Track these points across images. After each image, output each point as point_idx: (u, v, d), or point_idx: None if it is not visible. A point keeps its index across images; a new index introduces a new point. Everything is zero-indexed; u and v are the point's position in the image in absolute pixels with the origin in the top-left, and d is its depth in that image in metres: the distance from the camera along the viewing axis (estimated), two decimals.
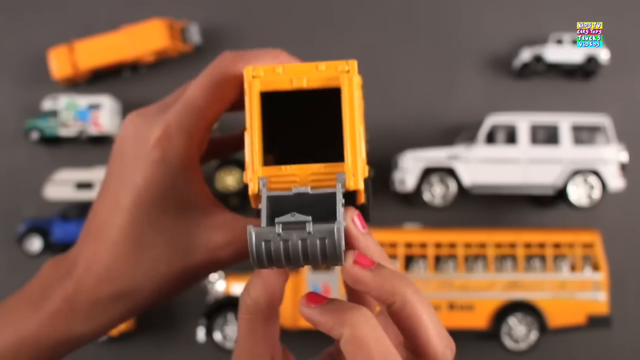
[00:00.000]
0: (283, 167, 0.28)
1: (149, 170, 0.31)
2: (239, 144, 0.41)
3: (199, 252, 0.33)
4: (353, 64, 0.28)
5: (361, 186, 0.28)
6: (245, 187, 0.28)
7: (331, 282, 1.57)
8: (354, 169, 0.28)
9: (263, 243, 0.26)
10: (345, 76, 0.28)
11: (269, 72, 0.29)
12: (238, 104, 0.34)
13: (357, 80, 0.28)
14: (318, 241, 0.26)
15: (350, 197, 0.29)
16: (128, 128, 0.33)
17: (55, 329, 0.33)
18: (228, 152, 0.41)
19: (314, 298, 0.27)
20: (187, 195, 0.32)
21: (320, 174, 0.28)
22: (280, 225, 0.26)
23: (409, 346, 0.29)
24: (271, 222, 0.27)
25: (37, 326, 0.33)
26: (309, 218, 0.26)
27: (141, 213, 0.32)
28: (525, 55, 1.70)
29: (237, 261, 0.34)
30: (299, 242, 0.26)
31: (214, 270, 0.34)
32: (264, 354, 0.29)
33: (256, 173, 0.28)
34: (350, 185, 0.28)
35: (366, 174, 0.29)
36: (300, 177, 0.28)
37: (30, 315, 0.33)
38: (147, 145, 0.31)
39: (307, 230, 0.26)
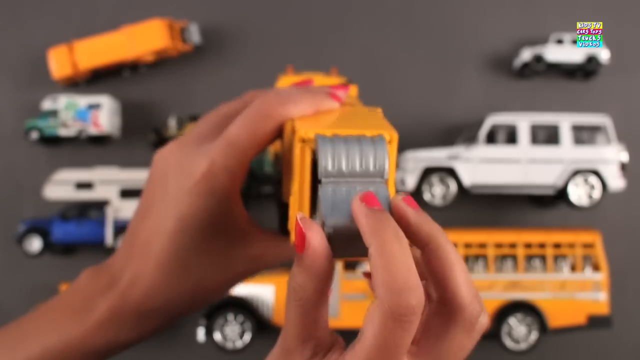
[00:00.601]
0: None
1: (195, 202, 0.34)
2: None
3: (237, 266, 0.37)
4: (394, 137, 0.31)
5: None
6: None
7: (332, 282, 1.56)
8: None
9: (333, 148, 0.29)
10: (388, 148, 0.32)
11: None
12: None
13: (394, 149, 0.32)
14: (370, 146, 0.30)
15: None
16: (168, 159, 0.36)
17: (101, 337, 0.35)
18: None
19: (369, 199, 0.28)
20: (229, 222, 0.36)
21: None
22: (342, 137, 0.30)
23: (437, 295, 0.29)
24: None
25: (83, 334, 0.35)
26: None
27: (186, 238, 0.35)
28: (526, 55, 1.70)
29: (268, 267, 0.39)
30: (356, 146, 0.30)
31: (249, 279, 0.39)
32: (314, 337, 0.29)
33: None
34: None
35: None
36: None
37: (75, 324, 0.35)
38: (192, 178, 0.34)
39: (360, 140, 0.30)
